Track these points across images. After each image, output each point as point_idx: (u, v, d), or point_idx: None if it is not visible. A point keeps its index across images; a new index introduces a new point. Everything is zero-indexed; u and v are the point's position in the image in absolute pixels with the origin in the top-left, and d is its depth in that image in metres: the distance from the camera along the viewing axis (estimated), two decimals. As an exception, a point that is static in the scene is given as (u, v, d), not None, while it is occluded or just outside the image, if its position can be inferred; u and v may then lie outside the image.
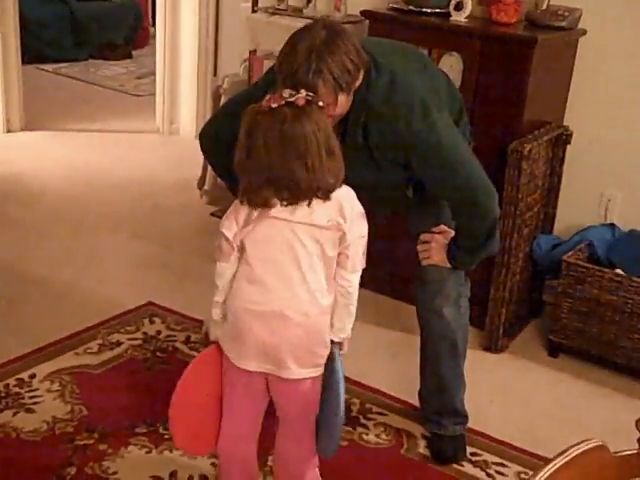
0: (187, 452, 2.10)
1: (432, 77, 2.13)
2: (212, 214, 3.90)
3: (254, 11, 3.84)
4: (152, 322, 2.89)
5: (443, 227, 2.15)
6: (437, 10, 3.01)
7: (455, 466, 2.28)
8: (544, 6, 2.95)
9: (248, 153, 1.66)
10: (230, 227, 1.73)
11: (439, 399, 2.34)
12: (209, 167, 3.78)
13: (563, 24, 2.89)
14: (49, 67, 6.70)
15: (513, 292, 2.90)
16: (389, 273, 3.14)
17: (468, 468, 2.28)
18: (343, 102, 1.88)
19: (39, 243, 3.49)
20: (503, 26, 2.89)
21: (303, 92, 1.67)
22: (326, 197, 1.69)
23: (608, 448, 1.13)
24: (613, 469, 1.14)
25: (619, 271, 2.75)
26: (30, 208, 3.87)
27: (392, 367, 2.74)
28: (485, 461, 2.32)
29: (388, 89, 1.95)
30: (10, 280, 3.13)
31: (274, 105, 1.65)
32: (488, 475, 2.26)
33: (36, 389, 2.45)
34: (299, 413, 1.85)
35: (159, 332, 2.83)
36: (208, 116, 4.40)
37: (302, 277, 1.71)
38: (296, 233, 1.70)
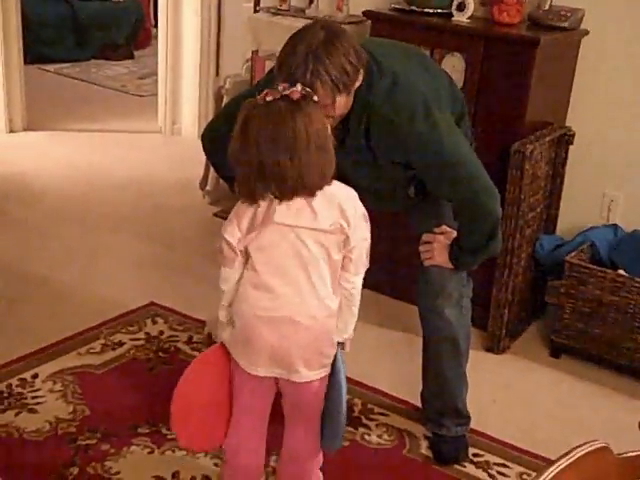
0: (190, 449, 2.10)
1: (434, 77, 2.13)
2: (215, 214, 3.90)
3: (256, 11, 3.84)
4: (154, 322, 2.89)
5: (445, 228, 2.15)
6: (439, 10, 3.00)
7: (457, 467, 2.28)
8: (546, 6, 2.95)
9: (241, 144, 1.67)
10: (233, 233, 1.73)
11: (441, 399, 2.34)
12: (211, 167, 3.78)
13: (565, 24, 2.89)
14: (51, 67, 6.69)
15: (515, 293, 2.89)
16: (391, 273, 3.14)
17: (470, 469, 2.28)
18: (342, 103, 1.88)
19: (41, 243, 3.49)
20: (505, 26, 2.89)
21: (299, 86, 1.68)
22: (312, 193, 1.68)
23: (612, 450, 1.13)
24: (617, 470, 1.14)
25: (621, 272, 2.75)
26: (32, 208, 3.87)
27: (394, 368, 2.74)
28: (487, 462, 2.32)
29: (390, 90, 1.96)
30: (12, 280, 3.13)
31: (269, 98, 1.65)
32: (490, 476, 2.26)
33: (38, 389, 2.45)
34: (307, 412, 1.86)
35: (161, 332, 2.83)
36: (210, 116, 4.41)
37: (309, 282, 1.71)
38: (301, 238, 1.70)
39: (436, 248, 2.16)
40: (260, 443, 1.91)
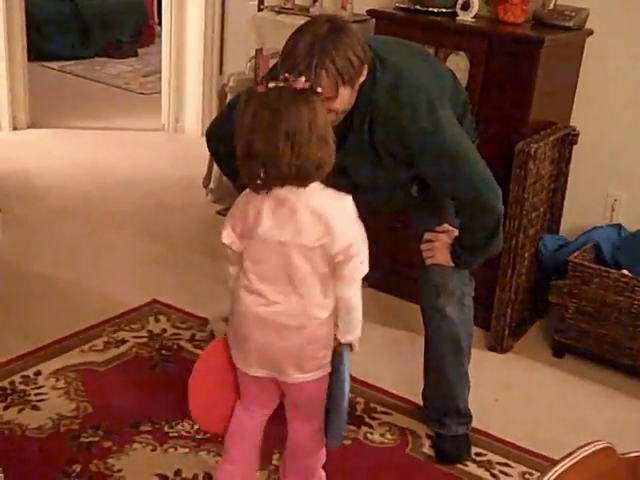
0: (200, 425, 2.13)
1: (437, 75, 2.13)
2: (218, 212, 3.90)
3: (260, 9, 3.85)
4: (157, 320, 2.90)
5: (447, 226, 2.15)
6: (444, 9, 3.00)
7: (459, 466, 2.28)
8: (551, 6, 2.94)
9: (238, 127, 1.65)
10: (229, 236, 1.75)
11: (442, 398, 2.33)
12: (215, 165, 3.78)
13: (570, 24, 2.88)
14: (55, 65, 6.70)
15: (518, 292, 2.89)
16: (393, 272, 3.13)
17: (472, 468, 2.28)
18: (346, 97, 1.87)
19: (44, 241, 3.50)
20: (510, 26, 2.89)
21: (303, 79, 1.66)
22: (302, 184, 1.65)
23: (616, 450, 1.13)
24: (621, 471, 1.13)
25: (625, 272, 2.75)
26: (35, 205, 3.87)
27: (396, 366, 2.74)
28: (489, 461, 2.31)
29: (393, 87, 1.96)
30: (15, 278, 3.13)
31: (271, 85, 1.64)
32: (492, 475, 2.26)
33: (41, 386, 2.45)
34: (306, 409, 1.87)
35: (164, 330, 2.83)
36: (214, 114, 4.41)
37: (298, 294, 1.71)
38: (287, 253, 1.69)
39: (438, 247, 2.15)
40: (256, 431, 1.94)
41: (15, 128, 4.90)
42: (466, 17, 2.95)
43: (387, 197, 2.26)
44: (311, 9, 3.58)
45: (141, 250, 3.49)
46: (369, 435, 2.38)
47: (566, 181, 3.07)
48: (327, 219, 1.66)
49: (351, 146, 2.04)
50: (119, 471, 2.12)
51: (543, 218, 3.02)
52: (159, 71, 5.43)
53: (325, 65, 1.78)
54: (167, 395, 2.43)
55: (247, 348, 1.78)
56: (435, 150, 1.97)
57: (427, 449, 2.34)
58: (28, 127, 4.97)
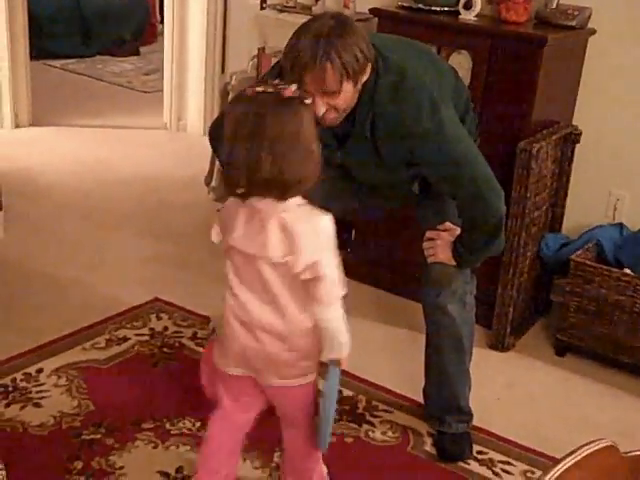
0: (207, 393, 2.11)
1: (440, 73, 2.13)
2: (219, 211, 3.89)
3: (262, 8, 3.84)
4: (159, 318, 2.90)
5: (448, 224, 2.15)
6: (446, 8, 3.00)
7: (461, 464, 2.28)
8: (554, 5, 2.94)
9: (225, 129, 1.63)
10: (217, 235, 1.76)
11: (443, 396, 2.33)
12: (217, 164, 3.78)
13: (573, 23, 2.88)
14: (57, 63, 6.70)
15: (521, 291, 2.89)
16: (395, 270, 3.13)
17: (474, 466, 2.28)
18: (349, 93, 1.87)
19: (46, 238, 3.50)
20: (512, 25, 2.89)
21: (294, 86, 1.62)
22: (282, 196, 1.60)
23: (618, 448, 1.13)
24: (624, 469, 1.14)
25: (627, 271, 2.75)
26: (37, 203, 3.87)
27: (398, 364, 2.74)
28: (491, 459, 2.31)
29: (397, 85, 1.95)
30: (16, 275, 3.14)
31: (259, 89, 1.59)
32: (494, 473, 2.26)
33: (43, 384, 2.45)
34: (293, 416, 1.86)
35: (166, 328, 2.83)
36: (216, 113, 4.41)
37: (274, 304, 1.69)
38: (257, 265, 1.66)
39: (439, 245, 2.15)
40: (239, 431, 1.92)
41: (17, 126, 4.90)
42: (469, 16, 2.95)
43: (389, 195, 2.26)
44: (313, 8, 3.58)
45: (143, 248, 3.49)
46: (370, 433, 2.38)
47: (568, 180, 3.07)
48: (293, 236, 1.60)
49: (353, 145, 2.04)
50: (121, 468, 2.12)
51: (545, 217, 3.02)
52: (161, 69, 5.42)
53: (330, 57, 1.77)
54: (169, 393, 2.43)
55: (228, 346, 1.77)
56: (437, 149, 1.97)
57: (429, 447, 2.34)
58: (30, 125, 4.97)
